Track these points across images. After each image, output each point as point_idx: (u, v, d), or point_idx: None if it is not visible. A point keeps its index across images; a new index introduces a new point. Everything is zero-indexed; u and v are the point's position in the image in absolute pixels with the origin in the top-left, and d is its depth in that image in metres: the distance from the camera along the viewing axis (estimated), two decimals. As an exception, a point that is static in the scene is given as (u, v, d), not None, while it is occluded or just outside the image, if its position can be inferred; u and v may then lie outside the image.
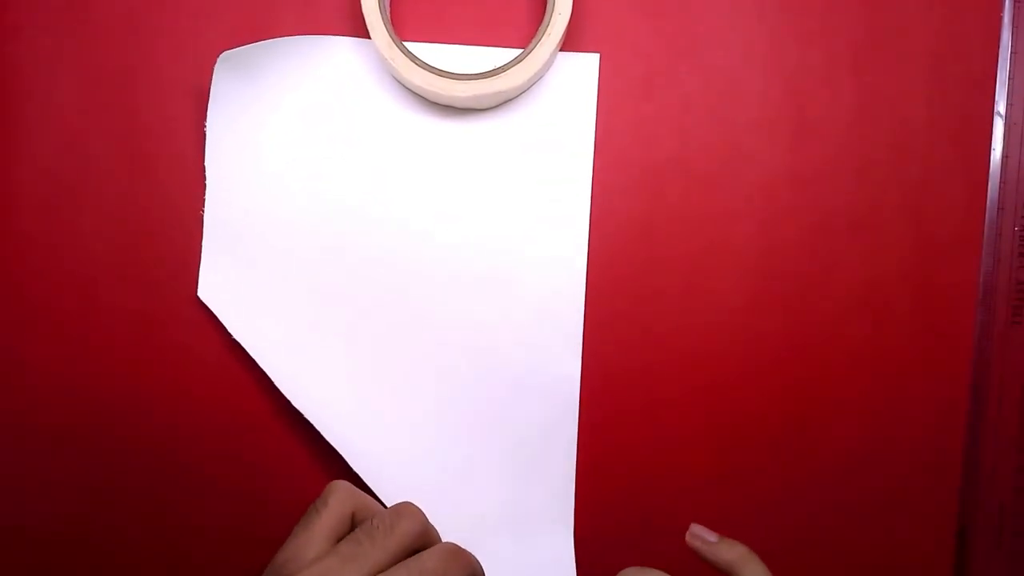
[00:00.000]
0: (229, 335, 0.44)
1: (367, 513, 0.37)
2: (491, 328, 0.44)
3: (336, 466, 0.43)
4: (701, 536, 0.39)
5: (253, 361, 0.44)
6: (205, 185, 0.44)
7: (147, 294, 0.45)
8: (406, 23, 0.44)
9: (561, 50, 0.44)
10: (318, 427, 0.43)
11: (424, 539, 0.37)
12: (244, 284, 0.44)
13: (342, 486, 0.37)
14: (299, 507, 0.39)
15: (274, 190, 0.44)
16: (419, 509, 0.37)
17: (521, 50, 0.43)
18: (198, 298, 0.44)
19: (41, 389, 0.45)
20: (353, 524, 0.37)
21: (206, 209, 0.44)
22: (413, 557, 0.35)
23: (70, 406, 0.45)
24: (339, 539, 0.36)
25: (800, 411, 0.45)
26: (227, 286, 0.44)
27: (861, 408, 0.45)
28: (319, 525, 0.35)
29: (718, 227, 0.45)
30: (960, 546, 0.45)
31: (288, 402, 0.43)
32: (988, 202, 0.45)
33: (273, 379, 0.44)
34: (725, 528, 0.43)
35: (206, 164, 0.44)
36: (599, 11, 0.44)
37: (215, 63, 0.43)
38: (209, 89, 0.43)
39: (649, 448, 0.45)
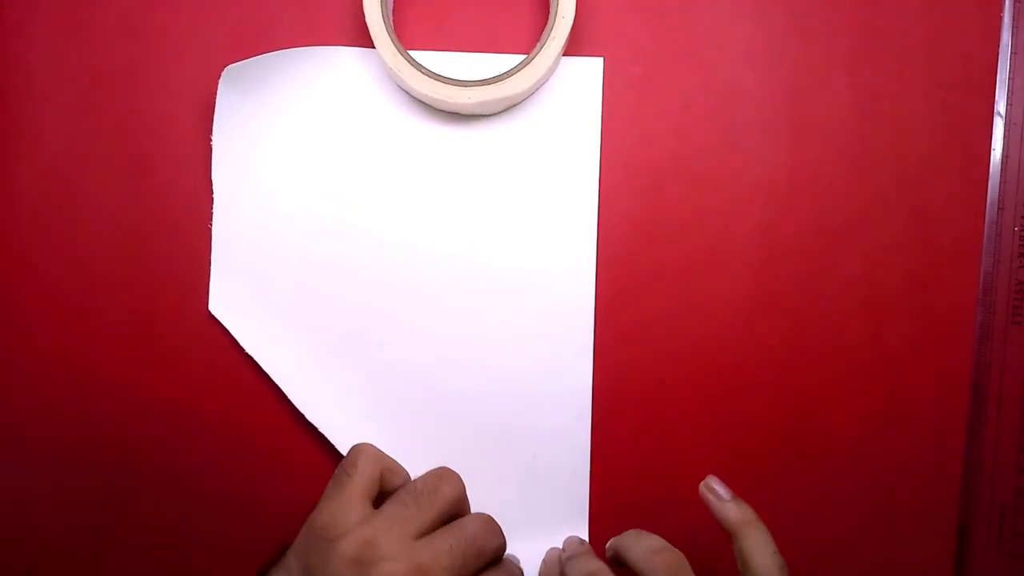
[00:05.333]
0: (237, 345, 0.44)
1: (394, 475, 0.38)
2: (503, 335, 0.44)
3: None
4: (715, 490, 0.38)
5: (262, 371, 0.44)
6: (212, 199, 0.44)
7: (149, 302, 0.45)
8: (409, 32, 0.45)
9: (563, 54, 0.44)
10: (332, 440, 0.43)
11: (462, 504, 0.38)
12: (255, 298, 0.44)
13: (367, 448, 0.38)
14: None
15: (282, 203, 0.44)
16: (457, 474, 0.38)
17: (524, 56, 0.43)
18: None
19: (49, 403, 0.45)
20: (381, 486, 0.37)
21: (214, 223, 0.44)
22: (456, 522, 0.37)
23: (74, 418, 0.45)
24: (372, 500, 0.36)
25: (799, 411, 0.45)
26: (238, 300, 0.44)
27: (861, 408, 0.45)
28: (352, 488, 0.36)
29: (718, 227, 0.45)
30: (960, 546, 0.45)
31: (298, 412, 0.44)
32: (988, 202, 0.45)
33: (286, 392, 0.44)
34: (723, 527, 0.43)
35: (213, 178, 0.44)
36: (600, 14, 0.45)
37: (219, 76, 0.43)
38: (212, 100, 0.43)
39: (654, 448, 0.45)
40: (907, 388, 0.45)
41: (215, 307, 0.44)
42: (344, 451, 0.43)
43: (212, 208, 0.44)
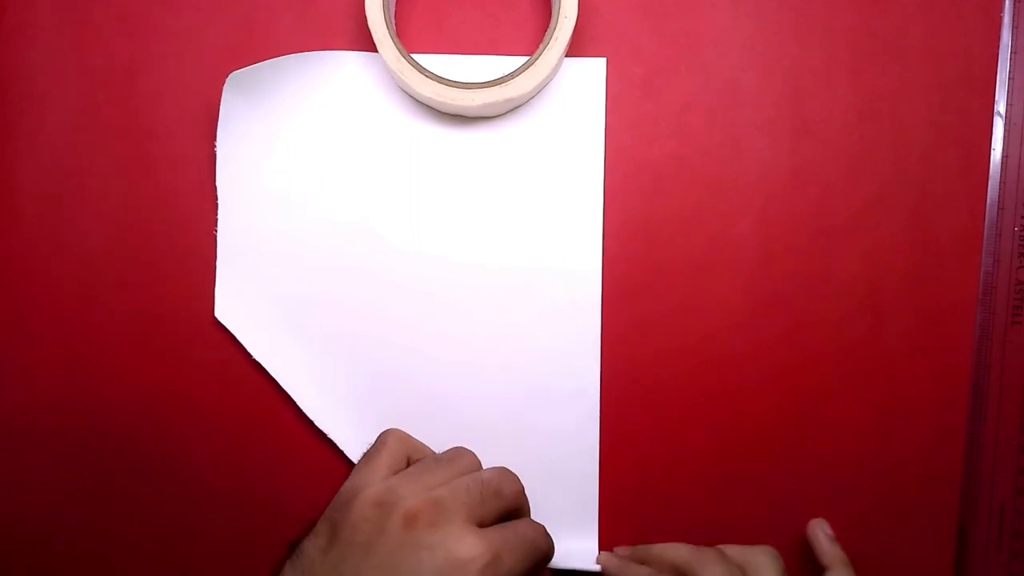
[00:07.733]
0: (240, 346, 0.44)
1: (421, 455, 0.41)
2: (511, 336, 0.44)
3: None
4: (826, 531, 0.43)
5: (266, 372, 0.44)
6: (216, 205, 0.44)
7: (151, 303, 0.45)
8: (410, 35, 0.45)
9: (565, 55, 0.44)
10: (340, 445, 0.44)
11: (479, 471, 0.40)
12: (261, 303, 0.44)
13: (397, 431, 0.40)
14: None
15: (287, 208, 0.44)
16: (474, 452, 0.40)
17: (527, 58, 0.43)
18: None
19: (53, 404, 0.45)
20: (407, 465, 0.39)
21: (219, 229, 0.44)
22: (472, 473, 0.39)
23: (76, 419, 0.45)
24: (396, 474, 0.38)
25: (800, 412, 0.45)
26: (244, 306, 0.44)
27: (861, 408, 0.45)
28: (379, 461, 0.38)
29: (718, 227, 0.45)
30: (960, 546, 0.45)
31: (301, 412, 0.44)
32: (988, 202, 0.45)
33: (294, 397, 0.44)
34: (729, 525, 0.43)
35: (217, 184, 0.44)
36: (601, 14, 0.45)
37: (220, 77, 0.43)
38: (213, 100, 0.43)
39: (661, 448, 0.45)
40: (907, 388, 0.45)
41: (221, 313, 0.44)
42: (352, 456, 0.44)
43: (216, 213, 0.44)
